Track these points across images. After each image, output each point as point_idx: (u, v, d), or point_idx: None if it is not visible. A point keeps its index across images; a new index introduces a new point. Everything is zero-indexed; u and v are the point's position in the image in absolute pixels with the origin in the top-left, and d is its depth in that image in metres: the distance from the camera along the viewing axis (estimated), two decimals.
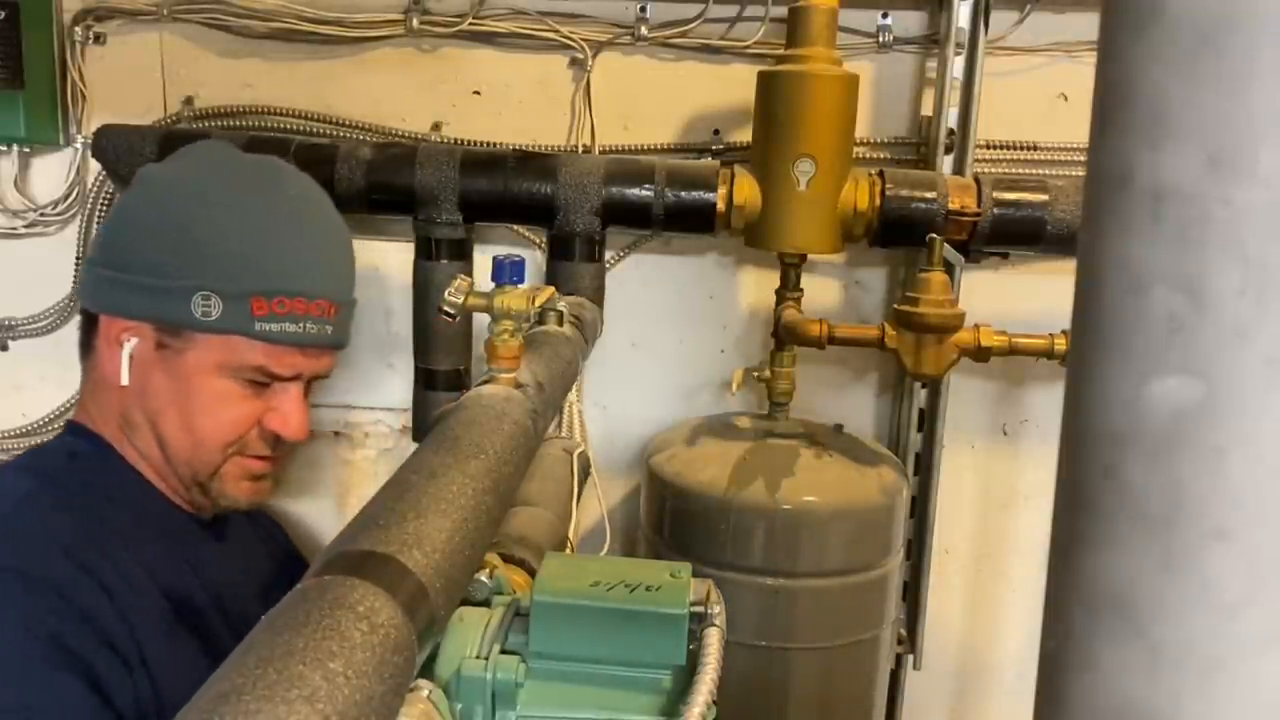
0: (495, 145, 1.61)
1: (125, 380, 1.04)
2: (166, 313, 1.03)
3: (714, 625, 0.74)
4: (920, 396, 1.64)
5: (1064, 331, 1.34)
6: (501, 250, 1.04)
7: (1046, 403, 1.69)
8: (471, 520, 0.70)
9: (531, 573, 0.94)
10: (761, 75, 1.43)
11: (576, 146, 1.63)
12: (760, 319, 1.67)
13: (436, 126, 1.63)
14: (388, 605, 0.55)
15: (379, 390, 1.71)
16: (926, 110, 1.59)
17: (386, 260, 1.65)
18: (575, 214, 1.47)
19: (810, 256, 1.51)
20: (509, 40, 1.62)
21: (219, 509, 1.11)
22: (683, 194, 1.46)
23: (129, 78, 1.64)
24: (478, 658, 0.72)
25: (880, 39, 1.58)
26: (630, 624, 0.73)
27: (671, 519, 1.43)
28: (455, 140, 1.62)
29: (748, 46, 1.58)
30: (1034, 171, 1.57)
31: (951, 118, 1.54)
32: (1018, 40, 1.57)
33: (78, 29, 1.62)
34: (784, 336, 1.47)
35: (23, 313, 1.71)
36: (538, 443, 0.94)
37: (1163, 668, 0.31)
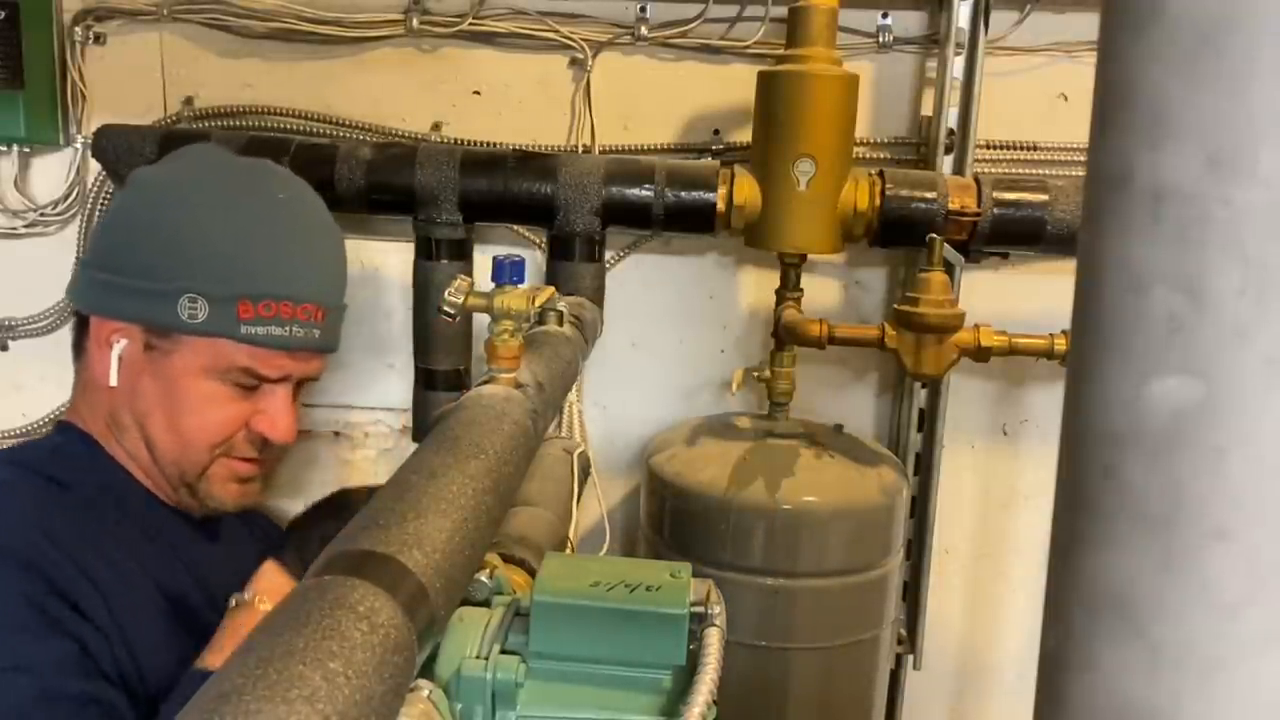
0: (495, 145, 1.61)
1: (114, 381, 1.04)
2: (154, 315, 1.03)
3: (714, 625, 0.74)
4: (920, 396, 1.64)
5: (1064, 331, 1.34)
6: (501, 250, 1.04)
7: (1046, 403, 1.69)
8: (471, 520, 0.70)
9: (531, 573, 0.94)
10: (761, 75, 1.43)
11: (576, 146, 1.63)
12: (760, 319, 1.67)
13: (436, 126, 1.63)
14: (388, 605, 0.55)
15: (379, 390, 1.71)
16: (926, 110, 1.60)
17: (387, 260, 1.65)
18: (575, 214, 1.47)
19: (810, 256, 1.51)
20: (509, 40, 1.62)
21: (207, 510, 1.11)
22: (683, 194, 1.46)
23: (129, 78, 1.64)
24: (478, 658, 0.72)
25: (880, 39, 1.58)
26: (630, 624, 0.73)
27: (671, 519, 1.43)
28: (455, 140, 1.62)
29: (748, 46, 1.58)
30: (1034, 171, 1.58)
31: (951, 118, 1.54)
32: (1018, 40, 1.57)
33: (78, 29, 1.62)
34: (784, 336, 1.47)
35: (23, 313, 1.71)
36: (538, 443, 0.94)
37: (1163, 668, 0.31)
